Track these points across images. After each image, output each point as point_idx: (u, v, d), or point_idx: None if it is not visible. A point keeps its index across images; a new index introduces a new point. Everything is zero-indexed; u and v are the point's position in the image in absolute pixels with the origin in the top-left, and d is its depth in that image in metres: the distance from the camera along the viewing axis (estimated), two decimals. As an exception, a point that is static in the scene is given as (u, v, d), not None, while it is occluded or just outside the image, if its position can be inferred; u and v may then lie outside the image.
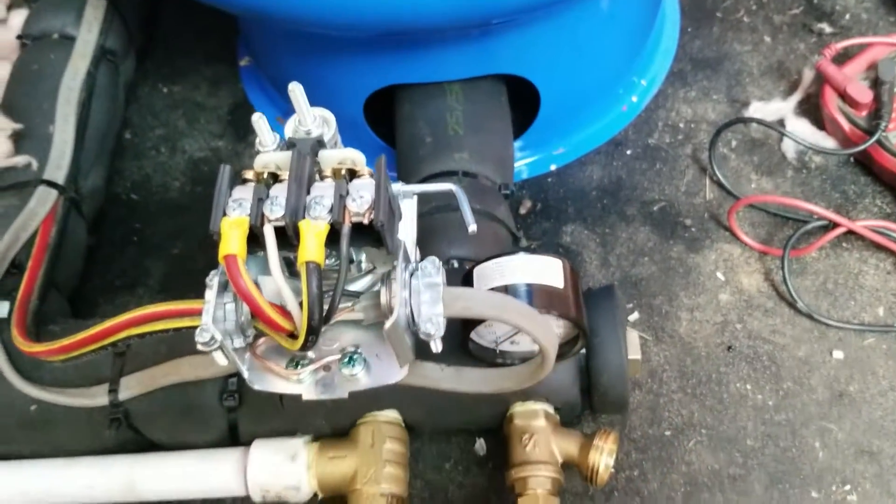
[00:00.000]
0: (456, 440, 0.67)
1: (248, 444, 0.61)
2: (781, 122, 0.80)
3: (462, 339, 0.56)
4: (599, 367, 0.60)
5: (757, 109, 0.81)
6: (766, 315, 0.71)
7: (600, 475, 0.58)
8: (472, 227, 0.51)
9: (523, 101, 0.77)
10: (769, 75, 0.84)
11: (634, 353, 0.61)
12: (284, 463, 0.59)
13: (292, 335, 0.45)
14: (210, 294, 0.46)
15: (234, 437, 0.62)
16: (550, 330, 0.48)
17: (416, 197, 0.53)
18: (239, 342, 0.47)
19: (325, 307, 0.44)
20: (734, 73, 0.85)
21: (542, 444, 0.59)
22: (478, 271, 0.55)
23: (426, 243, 0.65)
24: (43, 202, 0.69)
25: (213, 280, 0.46)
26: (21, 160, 0.71)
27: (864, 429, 0.66)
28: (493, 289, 0.54)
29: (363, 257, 0.49)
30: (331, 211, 0.44)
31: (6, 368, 0.61)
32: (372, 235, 0.46)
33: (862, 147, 0.73)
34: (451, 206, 0.66)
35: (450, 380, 0.54)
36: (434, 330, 0.46)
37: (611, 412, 0.63)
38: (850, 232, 0.73)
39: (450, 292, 0.48)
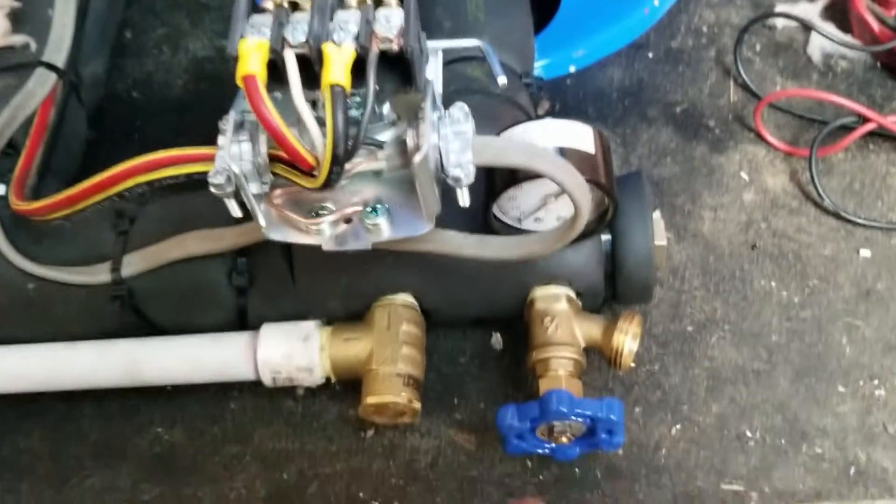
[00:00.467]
0: (472, 335, 0.65)
1: (257, 329, 0.59)
2: (807, 27, 0.78)
3: (484, 213, 0.54)
4: (625, 249, 0.57)
5: (782, 11, 0.78)
6: (792, 214, 0.69)
7: (625, 358, 0.56)
8: (502, 80, 0.48)
9: (542, 4, 0.74)
10: (795, -20, 0.82)
11: (661, 238, 0.59)
12: (296, 344, 0.57)
13: (313, 173, 0.43)
14: (224, 136, 0.44)
15: (243, 322, 0.60)
16: (583, 183, 0.46)
17: (440, 53, 0.50)
18: (255, 188, 0.45)
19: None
20: (759, -23, 0.82)
21: (565, 326, 0.57)
22: (504, 136, 0.53)
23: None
24: (42, 84, 0.66)
25: (228, 121, 0.44)
26: (19, 39, 0.67)
27: (893, 325, 0.64)
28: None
29: (385, 109, 0.47)
30: (357, 38, 0.41)
31: (3, 244, 0.58)
32: (399, 72, 0.43)
33: (890, 45, 0.70)
34: (470, 90, 0.63)
35: (473, 246, 0.51)
36: (463, 175, 0.43)
37: (635, 301, 0.61)
38: (877, 134, 0.71)
39: (479, 140, 0.45)
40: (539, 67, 0.79)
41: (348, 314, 0.59)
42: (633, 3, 0.81)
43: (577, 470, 0.59)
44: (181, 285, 0.58)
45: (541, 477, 0.59)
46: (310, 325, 0.58)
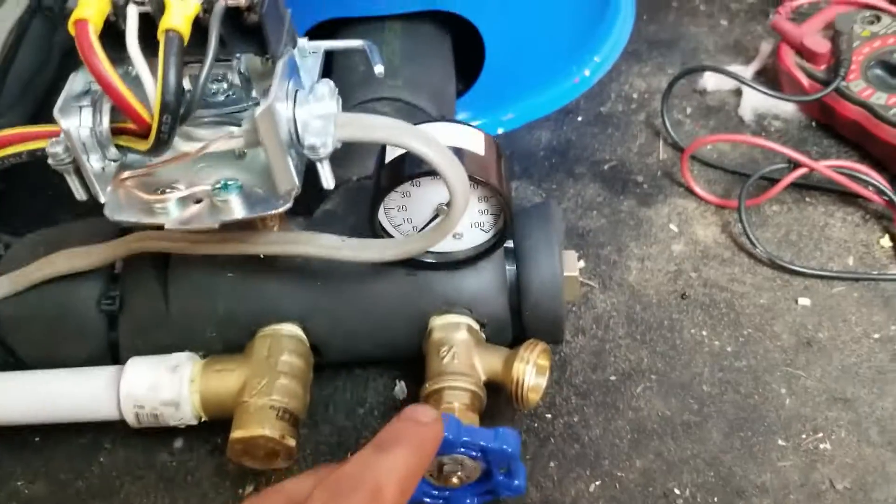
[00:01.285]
0: (374, 384, 0.59)
1: (129, 364, 0.53)
2: (738, 91, 0.77)
3: (370, 220, 0.49)
4: (530, 277, 0.53)
5: (712, 76, 0.77)
6: (724, 264, 0.65)
7: (527, 391, 0.50)
8: (379, 68, 0.46)
9: (470, 69, 0.74)
10: (725, 52, 0.82)
11: (571, 269, 0.54)
12: (163, 374, 0.51)
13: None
14: (63, 102, 0.40)
15: (115, 357, 0.54)
16: (457, 163, 0.42)
17: (321, 52, 0.48)
18: (97, 161, 0.41)
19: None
20: (690, 50, 0.82)
21: (463, 356, 0.51)
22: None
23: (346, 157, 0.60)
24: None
25: (69, 85, 0.41)
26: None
27: (837, 376, 0.58)
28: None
29: (255, 92, 0.44)
30: (204, -8, 0.39)
31: None
32: (254, 41, 0.40)
33: (823, 93, 0.68)
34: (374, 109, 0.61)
35: (352, 249, 0.47)
36: (320, 144, 0.40)
37: (546, 337, 0.55)
38: (814, 187, 0.68)
39: (345, 115, 0.42)
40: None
41: (229, 346, 0.53)
42: (563, 72, 0.80)
43: (479, 530, 0.52)
44: (46, 311, 0.53)
45: (439, 538, 0.52)
46: (181, 356, 0.52)
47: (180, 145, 0.43)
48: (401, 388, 0.58)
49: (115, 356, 0.54)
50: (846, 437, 0.55)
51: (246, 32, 0.40)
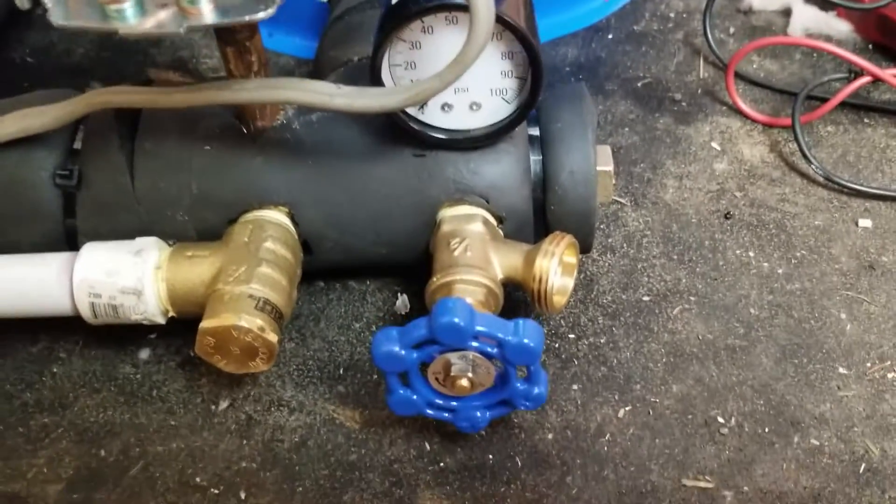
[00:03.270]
0: (373, 300, 0.51)
1: (88, 253, 0.46)
2: (787, 11, 0.69)
3: (371, 69, 0.42)
4: (559, 159, 0.45)
5: (758, -5, 0.70)
6: (773, 184, 0.57)
7: (549, 290, 0.42)
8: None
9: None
10: (772, -27, 0.74)
11: (605, 163, 0.47)
12: (124, 258, 0.44)
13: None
14: None
15: (72, 244, 0.47)
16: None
17: None
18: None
19: None
20: (732, -32, 0.75)
21: (477, 249, 0.44)
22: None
23: (348, 38, 0.52)
24: None
25: None
26: None
27: (905, 302, 0.50)
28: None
29: None
30: None
31: None
32: None
33: (883, 2, 0.61)
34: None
35: (348, 96, 0.39)
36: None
37: (573, 235, 0.48)
38: (873, 108, 0.61)
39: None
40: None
41: (202, 234, 0.46)
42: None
43: (489, 457, 0.44)
44: (-6, 186, 0.46)
45: (441, 464, 0.44)
46: (147, 241, 0.44)
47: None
48: (403, 301, 0.51)
49: (71, 243, 0.47)
50: (918, 368, 0.47)
51: None
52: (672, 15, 0.71)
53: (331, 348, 0.49)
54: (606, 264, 0.53)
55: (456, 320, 0.37)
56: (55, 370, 0.49)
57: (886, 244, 0.53)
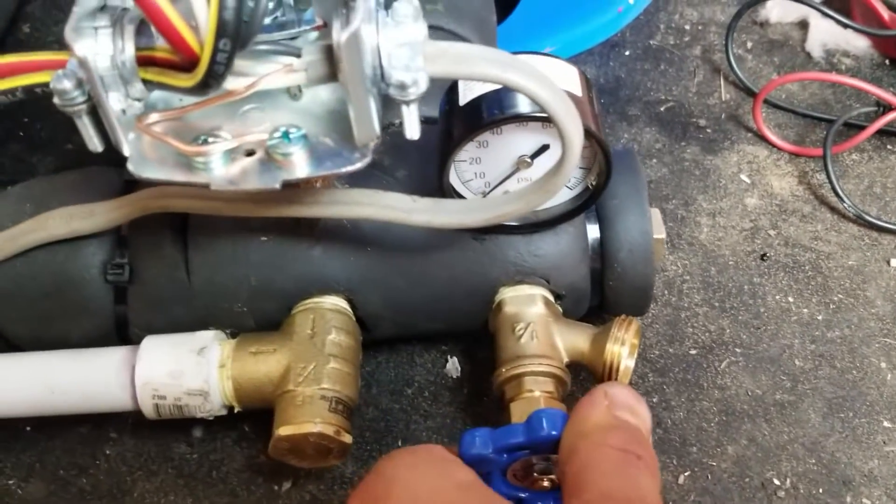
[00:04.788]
0: (422, 361, 0.51)
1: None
2: (804, 23, 0.69)
3: (439, 180, 0.41)
4: (618, 238, 0.45)
5: (775, 6, 0.69)
6: (805, 220, 0.58)
7: (620, 377, 0.43)
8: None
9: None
10: (785, -22, 0.73)
11: (659, 231, 0.47)
12: (188, 358, 0.43)
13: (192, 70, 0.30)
14: (73, 25, 0.31)
15: (123, 336, 0.46)
16: (573, 106, 0.34)
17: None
18: (118, 100, 0.32)
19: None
20: (745, -25, 0.74)
21: (542, 334, 0.44)
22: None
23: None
24: None
25: (81, 3, 0.31)
26: None
27: (939, 347, 0.52)
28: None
29: (309, 14, 0.35)
30: None
31: None
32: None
33: (910, 28, 0.61)
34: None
35: (426, 211, 0.38)
36: (410, 80, 0.31)
37: (628, 309, 0.48)
38: (893, 134, 0.61)
39: (434, 45, 0.33)
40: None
41: (262, 323, 0.45)
42: (605, 1, 0.71)
43: (558, 530, 0.45)
44: (41, 282, 0.44)
45: (512, 540, 0.45)
46: (207, 336, 0.44)
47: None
48: (453, 364, 0.51)
49: (123, 335, 0.46)
50: (957, 418, 0.49)
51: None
52: (687, 27, 0.70)
53: (385, 417, 0.49)
54: (651, 314, 0.53)
55: (555, 433, 0.37)
56: (108, 451, 0.48)
57: (918, 285, 0.55)
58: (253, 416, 0.47)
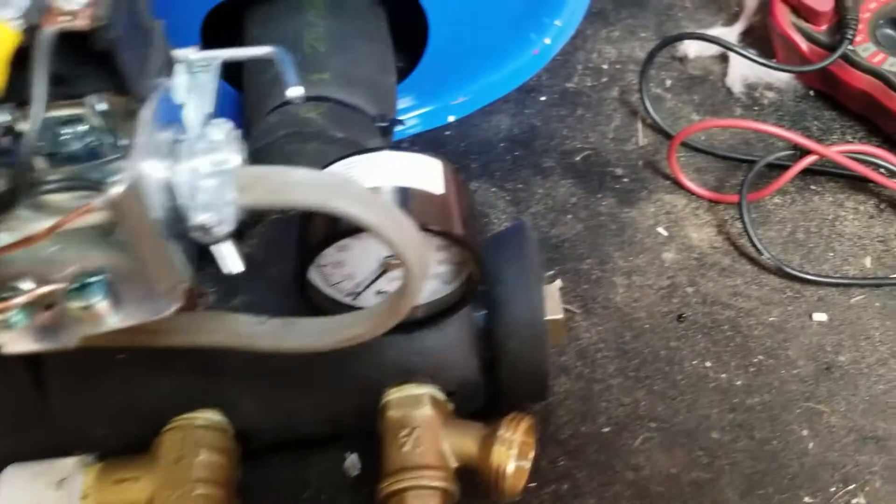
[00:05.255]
0: (318, 460, 0.49)
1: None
2: (724, 57, 0.66)
3: (300, 287, 0.38)
4: (506, 325, 0.43)
5: (692, 43, 0.66)
6: (724, 275, 0.55)
7: (509, 481, 0.40)
8: (295, 90, 0.34)
9: (413, 42, 0.62)
10: (706, 8, 0.70)
11: (555, 311, 0.44)
12: (47, 491, 0.40)
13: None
14: None
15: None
16: (411, 228, 0.31)
17: (217, 68, 0.36)
18: None
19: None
20: (664, 7, 0.71)
21: (428, 441, 0.41)
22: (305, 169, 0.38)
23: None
24: None
25: None
26: None
27: (864, 409, 0.49)
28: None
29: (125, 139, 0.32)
30: (25, 15, 0.26)
31: None
32: (104, 69, 0.29)
33: (828, 62, 0.58)
34: (303, 135, 0.49)
35: (273, 335, 0.35)
36: (216, 222, 0.28)
37: (526, 397, 0.46)
38: (817, 171, 0.59)
39: (250, 172, 0.30)
40: (415, 119, 0.66)
41: (127, 445, 0.42)
42: (520, 42, 0.69)
43: None
44: None
45: None
46: (67, 464, 0.41)
47: (26, 220, 0.31)
48: (352, 461, 0.48)
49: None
50: (883, 488, 0.46)
51: (94, 62, 0.28)
52: (605, 66, 0.67)
53: (281, 526, 0.47)
54: (563, 389, 0.51)
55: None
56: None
57: (843, 339, 0.52)
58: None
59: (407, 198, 0.36)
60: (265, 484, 0.47)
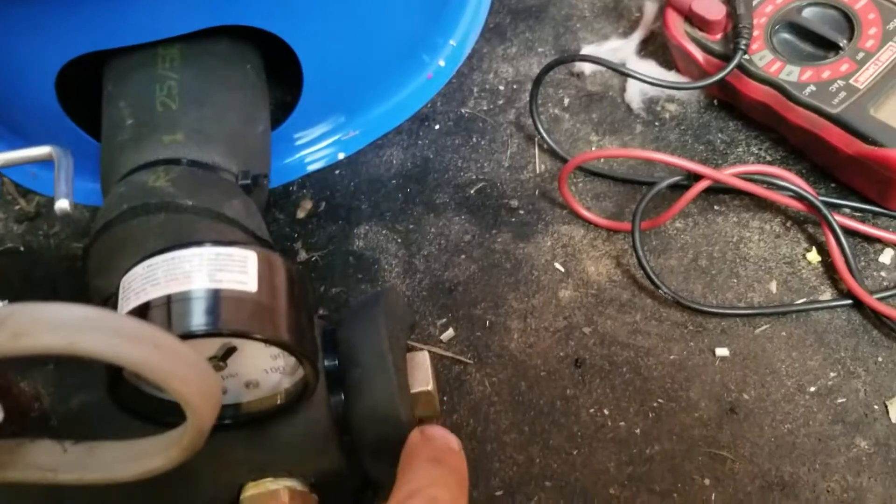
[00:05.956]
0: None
1: None
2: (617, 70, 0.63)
3: (108, 385, 0.35)
4: (365, 411, 0.40)
5: (586, 54, 0.63)
6: (623, 311, 0.52)
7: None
8: (62, 204, 0.31)
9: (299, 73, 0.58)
10: (604, 17, 0.67)
11: (423, 382, 0.41)
12: None
13: None
14: None
15: None
16: (191, 360, 0.28)
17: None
18: None
19: None
20: (562, 18, 0.67)
21: (286, 540, 0.38)
22: (124, 282, 0.35)
23: (113, 260, 0.45)
24: None
25: None
26: None
27: (770, 451, 0.47)
28: (139, 306, 0.33)
29: None
30: None
31: None
32: None
33: (722, 74, 0.55)
34: (149, 206, 0.46)
35: (75, 465, 0.32)
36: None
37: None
38: (722, 189, 0.56)
39: (-5, 313, 0.27)
40: (301, 159, 0.62)
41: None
42: (411, 68, 0.65)
43: None
44: None
45: None
46: None
47: None
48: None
49: None
50: (789, 537, 0.44)
51: None
52: (501, 87, 0.64)
53: None
54: (453, 452, 0.48)
55: None
56: None
57: (746, 375, 0.49)
58: None
59: (216, 301, 0.33)
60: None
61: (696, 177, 0.52)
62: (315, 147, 0.62)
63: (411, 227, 0.57)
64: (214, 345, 0.35)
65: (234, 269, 0.34)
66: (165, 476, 0.38)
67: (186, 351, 0.28)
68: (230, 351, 0.35)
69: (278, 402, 0.37)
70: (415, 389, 0.41)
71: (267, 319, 0.34)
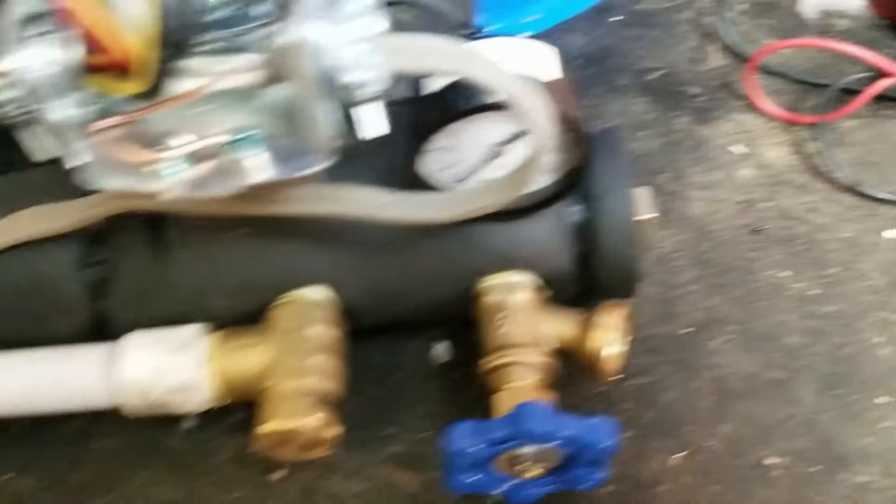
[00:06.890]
0: (409, 346, 0.51)
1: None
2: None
3: (404, 168, 0.40)
4: (600, 220, 0.44)
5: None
6: (800, 192, 0.57)
7: (605, 362, 0.42)
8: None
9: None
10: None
11: (648, 210, 0.46)
12: (170, 356, 0.42)
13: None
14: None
15: (103, 333, 0.45)
16: (542, 100, 0.33)
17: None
18: (62, 109, 0.31)
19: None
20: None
21: (525, 323, 0.43)
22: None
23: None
24: None
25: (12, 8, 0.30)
26: None
27: (938, 317, 0.51)
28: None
29: (262, 8, 0.33)
30: None
31: None
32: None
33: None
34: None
35: (396, 206, 0.37)
36: (367, 80, 0.30)
37: (616, 292, 0.47)
38: (891, 98, 0.60)
39: (392, 39, 0.32)
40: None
41: (244, 316, 0.44)
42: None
43: (550, 515, 0.45)
44: (16, 282, 0.43)
45: (503, 526, 0.45)
46: (190, 331, 0.43)
47: (169, 83, 0.33)
48: (441, 349, 0.50)
49: (102, 332, 0.45)
50: (954, 391, 0.48)
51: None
52: (678, -11, 0.68)
53: (374, 405, 0.49)
54: (643, 293, 0.52)
55: (542, 428, 0.37)
56: (98, 445, 0.48)
57: (914, 256, 0.54)
58: (241, 406, 0.46)
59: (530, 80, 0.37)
60: (361, 364, 0.49)
61: (875, 77, 0.56)
62: (497, 25, 0.67)
63: (596, 103, 0.62)
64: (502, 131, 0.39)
65: (543, 59, 0.39)
66: (419, 259, 0.42)
67: (542, 95, 0.32)
68: (517, 136, 0.39)
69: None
70: (642, 217, 0.46)
71: (572, 104, 0.38)
